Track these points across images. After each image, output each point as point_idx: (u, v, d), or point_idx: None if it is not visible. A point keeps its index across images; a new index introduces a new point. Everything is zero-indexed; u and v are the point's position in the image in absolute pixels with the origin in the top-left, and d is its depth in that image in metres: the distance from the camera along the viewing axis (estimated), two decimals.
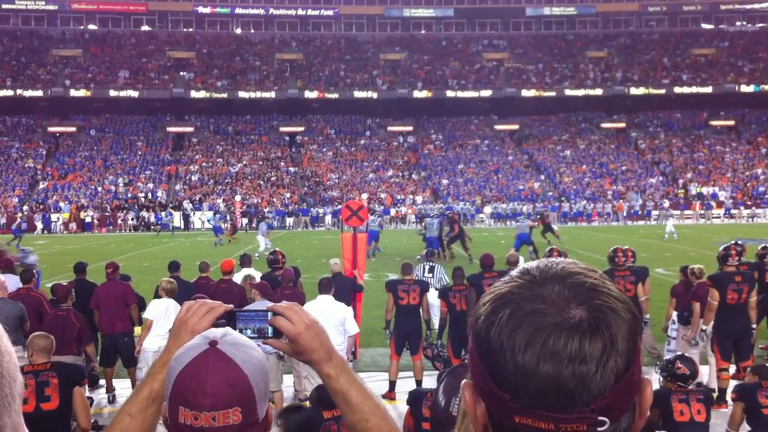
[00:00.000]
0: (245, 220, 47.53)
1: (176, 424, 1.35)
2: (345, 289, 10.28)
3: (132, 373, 9.70)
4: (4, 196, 51.48)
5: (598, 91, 66.54)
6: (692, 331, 9.46)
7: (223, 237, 35.19)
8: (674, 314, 10.41)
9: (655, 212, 50.66)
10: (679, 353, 7.37)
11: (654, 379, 5.99)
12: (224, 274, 10.78)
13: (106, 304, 9.82)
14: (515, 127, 65.93)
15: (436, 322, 10.83)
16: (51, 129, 61.76)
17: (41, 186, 53.65)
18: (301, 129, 64.78)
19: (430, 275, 12.89)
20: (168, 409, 1.37)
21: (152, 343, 8.86)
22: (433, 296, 11.74)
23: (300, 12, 73.02)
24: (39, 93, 62.16)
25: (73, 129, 62.00)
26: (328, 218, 48.79)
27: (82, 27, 70.52)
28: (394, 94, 66.06)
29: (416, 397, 5.35)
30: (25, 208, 49.55)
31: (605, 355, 0.89)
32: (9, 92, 61.46)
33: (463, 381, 1.00)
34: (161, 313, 8.96)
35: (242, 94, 64.92)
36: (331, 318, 8.33)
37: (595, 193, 54.95)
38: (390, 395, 9.69)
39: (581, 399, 0.88)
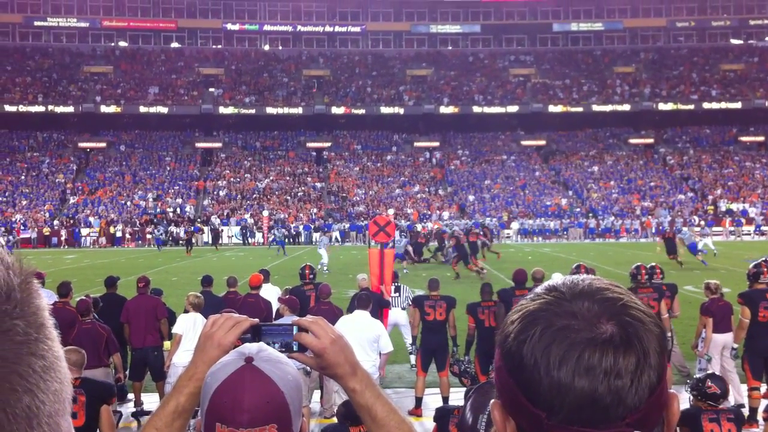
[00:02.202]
0: (271, 236, 47.78)
1: None
2: (372, 304, 10.29)
3: (161, 387, 9.74)
4: (35, 210, 52.19)
5: (626, 107, 66.16)
6: (705, 347, 9.40)
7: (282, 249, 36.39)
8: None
9: (684, 229, 50.10)
10: (709, 372, 7.29)
11: (684, 398, 5.93)
12: (252, 289, 10.86)
13: (137, 318, 9.90)
14: (542, 142, 65.72)
15: (408, 339, 10.90)
16: (81, 144, 62.61)
17: (71, 201, 54.33)
18: (328, 144, 65.08)
19: (397, 295, 12.50)
20: (204, 425, 1.38)
21: (182, 357, 8.87)
22: (402, 315, 11.77)
23: (327, 29, 73.51)
24: (70, 109, 63.05)
25: (104, 144, 62.82)
26: (353, 233, 48.96)
27: (112, 44, 71.54)
28: (420, 109, 66.19)
29: (443, 414, 5.34)
30: (55, 222, 50.18)
31: (639, 369, 0.90)
32: (41, 108, 62.41)
33: (492, 401, 0.99)
34: (189, 327, 9.00)
35: (270, 109, 65.39)
36: (366, 334, 8.32)
37: (623, 209, 54.54)
38: (416, 411, 9.66)
39: (616, 413, 0.89)
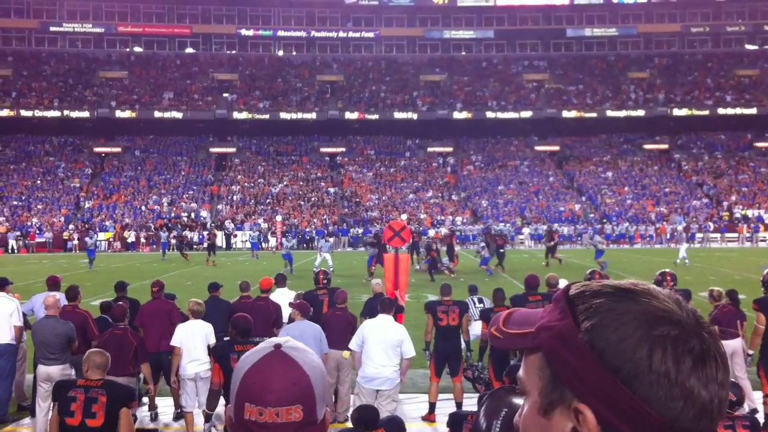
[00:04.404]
0: (285, 241, 47.81)
1: (241, 420, 1.43)
2: (387, 309, 10.30)
3: (174, 391, 9.78)
4: (50, 215, 52.55)
5: (640, 112, 65.96)
6: None
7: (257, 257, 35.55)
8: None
9: (699, 235, 49.98)
10: None
11: None
12: (262, 292, 10.94)
13: (151, 322, 9.94)
14: (556, 148, 65.61)
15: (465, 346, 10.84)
16: (97, 149, 63.03)
17: (86, 205, 54.66)
18: (342, 150, 65.22)
19: (481, 305, 12.32)
20: (234, 407, 1.45)
21: (189, 369, 8.85)
22: (477, 326, 11.70)
23: (341, 34, 73.69)
24: (86, 114, 63.47)
25: (119, 149, 63.21)
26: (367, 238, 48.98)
27: (127, 49, 71.98)
28: (433, 115, 66.23)
29: (456, 420, 5.35)
30: (70, 227, 50.50)
31: (728, 380, 0.94)
32: (56, 113, 62.86)
33: (576, 405, 0.93)
34: (188, 337, 8.89)
35: (284, 115, 65.60)
36: (390, 338, 8.35)
37: (637, 215, 54.34)
38: (430, 417, 9.67)
39: (716, 423, 0.92)
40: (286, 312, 10.34)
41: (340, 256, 40.06)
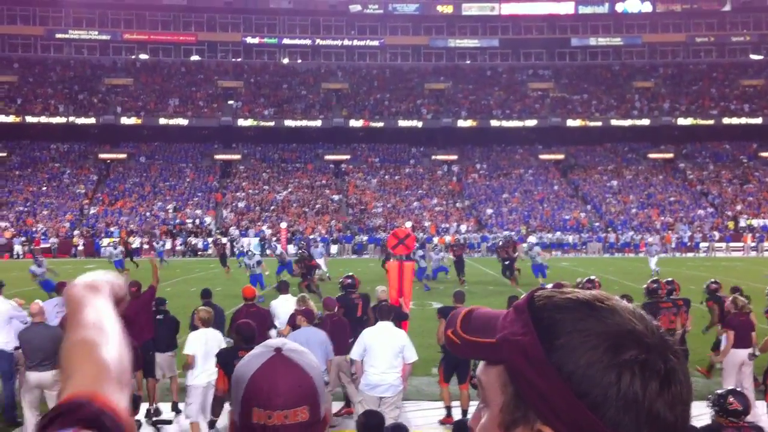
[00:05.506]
0: (291, 247, 47.84)
1: (249, 425, 1.45)
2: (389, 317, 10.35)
3: (152, 384, 10.35)
4: (56, 221, 52.63)
5: (645, 122, 65.97)
6: (721, 356, 9.59)
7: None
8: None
9: (703, 244, 49.90)
10: (731, 388, 7.25)
11: (706, 414, 5.92)
12: (246, 300, 10.96)
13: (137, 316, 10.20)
14: (560, 156, 65.61)
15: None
16: (102, 156, 63.16)
17: (92, 211, 54.75)
18: (346, 157, 65.28)
19: None
20: (240, 412, 1.47)
21: (200, 379, 8.82)
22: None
23: (346, 42, 73.86)
24: (91, 120, 63.64)
25: (124, 156, 63.36)
26: (371, 246, 49.01)
27: (133, 56, 72.21)
28: (438, 123, 66.30)
29: (461, 427, 5.35)
30: (75, 232, 50.58)
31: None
32: (62, 119, 63.07)
33: (540, 427, 0.90)
34: (202, 345, 8.84)
35: (288, 122, 65.71)
36: (391, 344, 8.39)
37: (642, 223, 54.27)
38: (448, 420, 9.73)
39: None
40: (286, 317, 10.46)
41: (344, 264, 40.00)
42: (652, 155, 65.58)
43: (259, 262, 24.20)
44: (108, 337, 1.15)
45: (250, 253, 25.87)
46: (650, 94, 69.18)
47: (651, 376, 0.87)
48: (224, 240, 46.33)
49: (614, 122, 66.12)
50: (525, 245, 33.02)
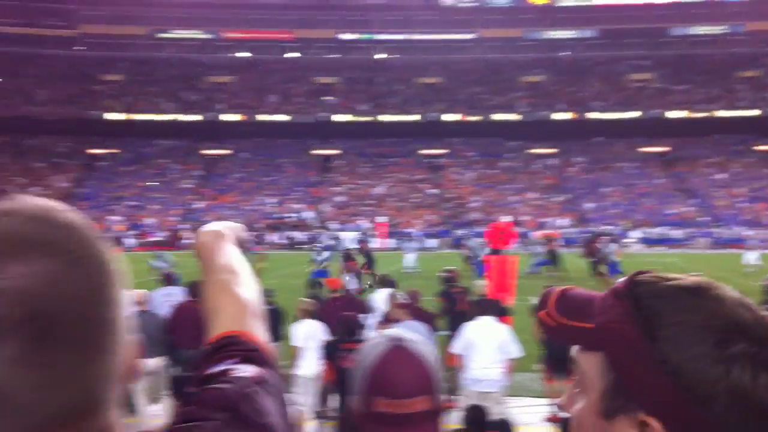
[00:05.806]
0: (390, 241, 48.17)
1: (373, 413, 1.51)
2: (490, 311, 10.18)
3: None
4: (164, 214, 54.39)
5: (752, 112, 63.70)
6: None
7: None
8: None
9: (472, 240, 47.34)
10: None
11: None
12: (333, 293, 11.06)
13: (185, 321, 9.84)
14: (662, 149, 63.95)
15: None
16: (205, 152, 64.91)
17: (198, 206, 56.34)
18: (442, 151, 65.27)
19: None
20: (363, 400, 1.53)
21: (308, 369, 8.82)
22: None
23: (439, 36, 73.82)
24: (195, 118, 65.50)
25: (226, 152, 64.98)
26: (471, 241, 48.74)
27: (232, 55, 73.86)
28: (534, 116, 65.62)
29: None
30: (183, 226, 52.11)
31: None
32: (167, 117, 65.14)
33: (643, 417, 0.85)
34: (307, 337, 8.90)
35: (384, 117, 66.13)
36: (493, 339, 8.31)
37: (751, 218, 52.48)
38: (554, 418, 9.56)
39: None
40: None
41: (443, 258, 39.97)
42: (760, 147, 63.18)
43: (326, 259, 24.07)
44: (240, 277, 1.28)
45: (318, 249, 25.79)
46: (756, 84, 66.74)
47: (760, 369, 0.82)
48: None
49: (718, 113, 64.09)
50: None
